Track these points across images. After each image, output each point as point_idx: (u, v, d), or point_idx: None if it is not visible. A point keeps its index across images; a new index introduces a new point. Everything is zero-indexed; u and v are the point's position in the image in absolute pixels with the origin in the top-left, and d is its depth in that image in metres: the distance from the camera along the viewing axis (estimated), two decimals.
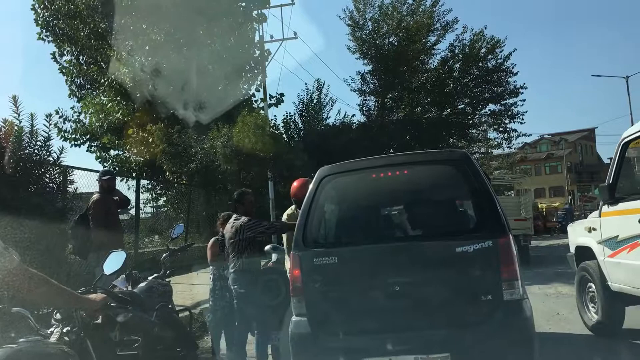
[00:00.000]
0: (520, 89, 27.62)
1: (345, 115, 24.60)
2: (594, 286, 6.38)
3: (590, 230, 6.46)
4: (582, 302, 6.69)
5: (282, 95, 21.06)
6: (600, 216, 6.15)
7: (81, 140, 18.91)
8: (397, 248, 4.34)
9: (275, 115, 20.54)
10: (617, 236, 5.73)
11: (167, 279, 5.38)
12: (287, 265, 5.68)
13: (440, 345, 3.94)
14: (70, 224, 7.00)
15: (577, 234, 6.97)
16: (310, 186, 4.68)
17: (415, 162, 4.94)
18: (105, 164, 18.88)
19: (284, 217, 5.98)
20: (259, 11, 19.26)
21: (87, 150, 19.10)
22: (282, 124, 21.21)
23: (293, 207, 5.94)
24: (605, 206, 6.01)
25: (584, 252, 6.62)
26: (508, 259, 4.00)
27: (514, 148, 30.25)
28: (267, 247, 6.93)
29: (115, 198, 7.43)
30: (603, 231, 6.06)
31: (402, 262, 4.20)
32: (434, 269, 4.15)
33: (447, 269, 4.10)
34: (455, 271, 4.08)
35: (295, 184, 5.97)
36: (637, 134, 5.71)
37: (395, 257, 4.22)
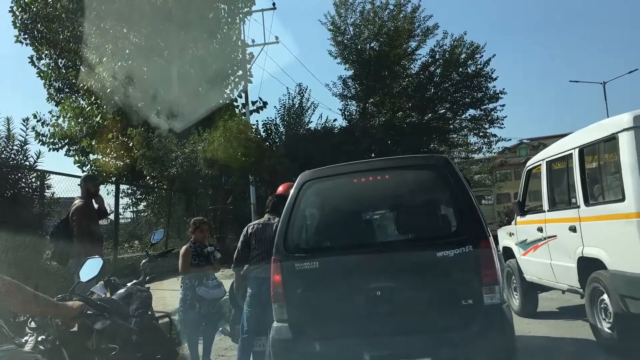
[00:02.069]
0: (499, 94, 27.95)
1: (327, 119, 24.63)
2: (515, 278, 8.06)
3: (510, 234, 8.35)
4: (510, 291, 8.16)
5: (265, 102, 21.01)
6: (515, 224, 8.08)
7: (59, 145, 18.66)
8: (378, 253, 4.34)
9: (257, 121, 20.42)
10: (526, 240, 7.60)
11: (146, 285, 5.31)
12: None
13: (421, 350, 3.95)
14: (50, 230, 6.84)
15: (503, 237, 8.73)
16: (292, 191, 4.67)
17: (396, 167, 4.93)
18: (84, 168, 18.67)
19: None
20: (240, 13, 19.20)
21: (65, 155, 18.87)
22: (262, 129, 21.13)
23: None
24: (519, 217, 7.87)
25: (508, 252, 8.34)
26: (488, 263, 4.02)
27: (494, 152, 30.58)
28: None
29: (96, 206, 7.18)
30: (517, 236, 7.99)
31: (383, 267, 4.20)
32: (415, 273, 4.15)
33: (428, 273, 4.11)
34: (436, 276, 4.09)
35: (280, 188, 5.93)
36: (537, 163, 7.60)
37: (376, 262, 4.22)
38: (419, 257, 4.19)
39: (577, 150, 6.12)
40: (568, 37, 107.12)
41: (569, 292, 6.67)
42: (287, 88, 25.25)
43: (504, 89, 28.36)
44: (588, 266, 5.82)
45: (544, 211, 7.09)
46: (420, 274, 4.14)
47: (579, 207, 6.03)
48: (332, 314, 4.21)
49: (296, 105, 22.49)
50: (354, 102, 28.60)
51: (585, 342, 6.21)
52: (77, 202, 6.89)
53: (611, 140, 5.36)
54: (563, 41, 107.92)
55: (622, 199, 5.11)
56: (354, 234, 4.65)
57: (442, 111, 28.86)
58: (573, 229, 6.10)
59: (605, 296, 5.54)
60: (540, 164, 7.39)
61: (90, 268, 3.85)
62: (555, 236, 6.66)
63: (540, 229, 7.05)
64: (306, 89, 22.72)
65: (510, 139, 37.74)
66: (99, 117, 17.44)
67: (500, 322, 3.96)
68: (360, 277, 4.20)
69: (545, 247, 6.90)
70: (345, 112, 28.10)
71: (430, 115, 28.54)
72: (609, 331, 5.58)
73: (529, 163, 8.12)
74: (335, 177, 4.79)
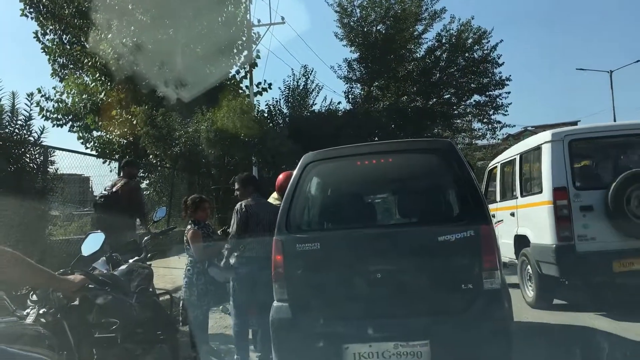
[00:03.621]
0: (505, 81, 27.79)
1: (331, 102, 24.55)
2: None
3: None
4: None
5: (269, 84, 20.86)
6: None
7: (63, 121, 18.64)
8: (380, 235, 4.35)
9: (258, 101, 20.28)
10: None
11: (148, 262, 5.34)
12: None
13: (420, 332, 3.96)
14: (95, 202, 7.55)
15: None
16: (295, 172, 4.65)
17: (399, 150, 4.89)
18: (87, 144, 18.67)
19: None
20: None
21: (69, 131, 18.86)
22: (266, 109, 21.05)
23: (275, 195, 5.91)
24: None
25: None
26: (489, 248, 4.03)
27: (498, 139, 30.44)
28: None
29: None
30: None
31: (384, 249, 4.20)
32: (416, 257, 4.16)
33: (429, 257, 4.12)
34: (436, 259, 4.10)
35: (280, 176, 5.94)
36: (494, 165, 9.66)
37: (377, 244, 4.22)
38: (420, 241, 4.19)
39: (518, 155, 8.19)
40: (576, 25, 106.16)
41: (510, 264, 8.34)
42: (292, 69, 25.20)
43: (510, 75, 28.24)
44: (520, 242, 7.85)
45: (496, 201, 9.05)
46: (421, 258, 4.15)
47: (517, 198, 8.07)
48: (332, 295, 4.22)
49: (301, 87, 22.39)
50: (358, 85, 28.50)
51: (582, 330, 6.25)
52: (125, 181, 7.51)
53: (538, 150, 7.30)
54: (571, 29, 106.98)
55: (541, 192, 7.06)
56: (356, 216, 4.65)
57: (447, 96, 28.74)
58: (512, 215, 8.17)
59: (529, 266, 7.53)
60: (496, 166, 9.51)
61: (93, 242, 3.87)
62: (502, 220, 8.64)
63: (493, 215, 7.97)
64: (311, 71, 22.62)
65: (515, 126, 37.67)
66: (102, 93, 17.39)
67: (499, 307, 3.98)
68: (361, 259, 4.21)
69: (496, 229, 7.80)
70: (350, 95, 28.00)
71: (434, 100, 28.42)
72: (531, 292, 7.55)
73: (489, 165, 10.34)
74: (338, 159, 4.76)
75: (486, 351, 3.95)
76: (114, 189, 7.39)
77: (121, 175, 8.01)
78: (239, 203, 5.71)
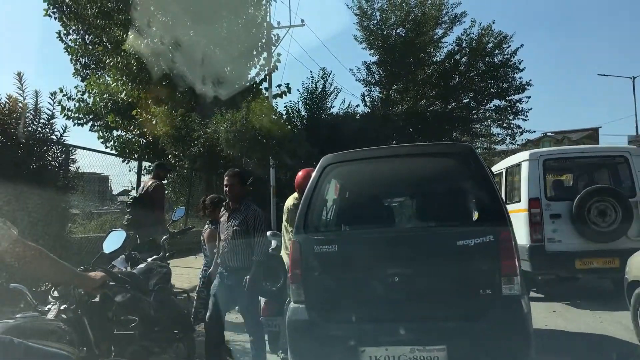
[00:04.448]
0: (526, 86, 27.54)
1: (349, 105, 24.54)
2: None
3: None
4: None
5: (289, 87, 20.80)
6: None
7: (84, 120, 18.85)
8: (398, 239, 4.34)
9: (276, 103, 20.33)
10: None
11: (166, 262, 5.39)
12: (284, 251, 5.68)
13: (437, 337, 3.92)
14: (128, 202, 8.44)
15: None
16: (313, 174, 4.66)
17: (419, 153, 4.90)
18: (107, 144, 18.86)
19: (289, 205, 5.89)
20: None
21: (89, 130, 19.07)
22: (284, 111, 21.11)
23: (296, 195, 5.90)
24: None
25: None
26: (508, 253, 3.99)
27: (517, 145, 30.15)
28: (268, 233, 6.91)
29: None
30: None
31: (402, 253, 4.18)
32: (434, 261, 4.13)
33: (447, 261, 4.08)
34: (454, 264, 4.06)
35: (300, 174, 5.90)
36: None
37: (395, 247, 4.21)
38: (439, 245, 4.16)
39: (504, 170, 9.26)
40: (598, 30, 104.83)
41: None
42: (311, 72, 25.24)
43: (530, 80, 27.95)
44: None
45: None
46: (439, 262, 4.11)
47: None
48: (349, 297, 4.21)
49: (319, 89, 22.42)
50: (377, 88, 28.46)
51: (600, 338, 6.19)
52: (155, 182, 8.26)
53: (519, 166, 8.53)
54: (593, 33, 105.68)
55: (520, 201, 8.26)
56: (374, 218, 4.64)
57: (466, 100, 28.58)
58: None
59: None
60: None
61: (114, 240, 3.91)
62: None
63: None
64: (330, 74, 22.64)
65: (535, 131, 37.17)
66: (123, 94, 17.57)
67: (517, 313, 3.93)
68: (378, 262, 4.18)
69: None
70: (366, 98, 27.96)
71: (453, 104, 28.29)
72: None
73: None
74: (357, 162, 4.76)
75: (504, 357, 3.91)
76: (143, 190, 8.20)
77: (151, 176, 8.80)
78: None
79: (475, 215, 4.52)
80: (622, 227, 7.66)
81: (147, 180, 8.66)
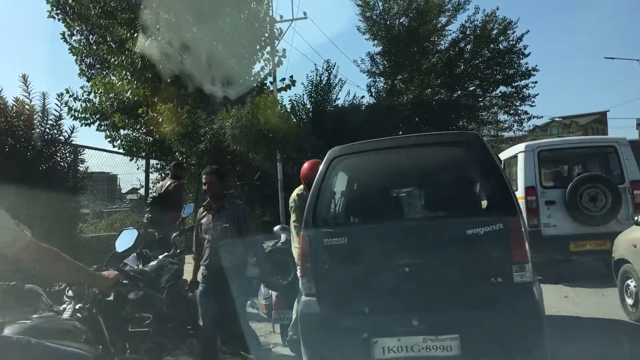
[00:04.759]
0: (532, 71, 27.37)
1: (354, 96, 24.43)
2: None
3: None
4: None
5: (293, 80, 20.73)
6: None
7: (91, 120, 18.93)
8: (407, 229, 4.34)
9: (281, 97, 20.27)
10: None
11: (177, 258, 5.42)
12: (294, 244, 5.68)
13: (449, 326, 3.93)
14: (148, 201, 9.09)
15: None
16: (321, 167, 4.66)
17: (426, 143, 4.86)
18: (114, 143, 18.92)
19: (294, 196, 5.92)
20: None
21: (97, 130, 19.16)
22: (289, 105, 21.07)
23: (301, 187, 5.91)
24: None
25: None
26: (519, 241, 3.99)
27: (525, 131, 29.96)
28: (276, 228, 6.94)
29: None
30: None
31: (412, 243, 4.19)
32: (444, 250, 4.13)
33: (458, 250, 4.08)
34: (465, 253, 4.06)
35: (305, 165, 5.91)
36: None
37: (405, 238, 4.22)
38: (449, 235, 4.16)
39: (503, 161, 9.33)
40: (604, 12, 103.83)
41: None
42: (315, 64, 25.19)
43: (536, 65, 27.75)
44: None
45: None
46: (450, 251, 4.11)
47: None
48: (360, 288, 4.21)
49: (324, 82, 22.36)
50: (382, 78, 28.37)
51: (614, 323, 6.20)
52: (173, 182, 8.78)
53: (515, 157, 9.15)
54: (599, 16, 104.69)
55: (516, 189, 8.54)
56: (384, 210, 4.64)
57: (471, 88, 28.42)
58: None
59: None
60: None
61: (126, 239, 3.94)
62: None
63: None
64: (334, 66, 22.55)
65: (542, 117, 36.95)
66: (129, 92, 17.62)
67: (529, 300, 3.93)
68: (388, 253, 4.19)
69: None
70: (372, 89, 27.87)
71: (459, 92, 28.13)
72: None
73: None
74: (365, 153, 4.74)
75: (518, 345, 3.92)
76: (162, 189, 8.67)
77: (170, 176, 9.26)
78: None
79: (485, 203, 4.51)
80: (612, 211, 8.25)
81: (165, 180, 9.24)
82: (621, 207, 8.24)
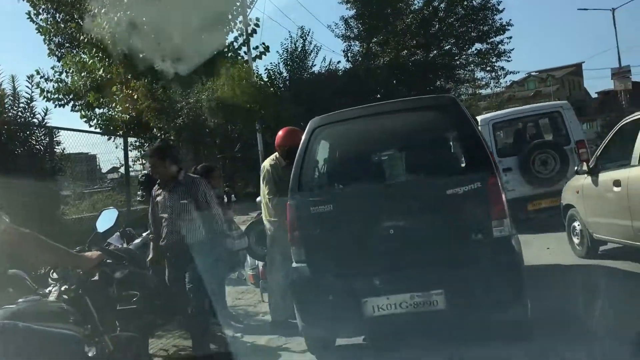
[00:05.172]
0: (506, 26, 27.32)
1: (330, 62, 24.20)
2: None
3: None
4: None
5: (266, 47, 20.38)
6: None
7: (65, 100, 18.54)
8: (390, 193, 4.47)
9: (257, 67, 19.98)
10: None
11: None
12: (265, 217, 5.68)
13: (434, 282, 4.11)
14: (140, 179, 8.65)
15: None
16: (303, 137, 4.75)
17: (405, 109, 4.98)
18: (90, 122, 18.61)
19: (266, 167, 5.73)
20: None
21: (71, 110, 18.79)
22: (265, 75, 20.83)
23: (274, 156, 5.80)
24: None
25: None
26: (496, 198, 4.16)
27: (502, 87, 30.09)
28: (259, 199, 6.96)
29: None
30: None
31: (395, 206, 4.36)
32: (426, 211, 4.30)
33: (439, 210, 4.26)
34: (446, 212, 4.23)
35: (280, 133, 5.82)
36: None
37: (388, 201, 4.37)
38: (430, 195, 4.33)
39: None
40: None
41: None
42: (289, 32, 24.85)
43: (510, 20, 27.71)
44: None
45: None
46: (431, 211, 4.29)
47: None
48: (348, 252, 4.36)
49: (299, 49, 22.12)
50: (357, 42, 28.11)
51: (589, 268, 6.50)
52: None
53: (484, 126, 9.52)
54: None
55: None
56: (366, 175, 4.77)
57: (447, 47, 28.29)
58: None
59: None
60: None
61: (107, 218, 3.94)
62: None
63: None
64: (308, 32, 22.29)
65: (518, 72, 37.14)
66: (101, 70, 17.25)
67: (509, 253, 4.13)
68: (373, 216, 4.34)
69: None
70: (349, 54, 27.64)
71: (435, 52, 27.98)
72: None
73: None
74: (345, 122, 4.87)
75: (500, 295, 4.09)
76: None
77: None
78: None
79: (463, 163, 4.65)
80: (561, 171, 9.11)
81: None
82: (569, 167, 8.93)
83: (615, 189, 5.97)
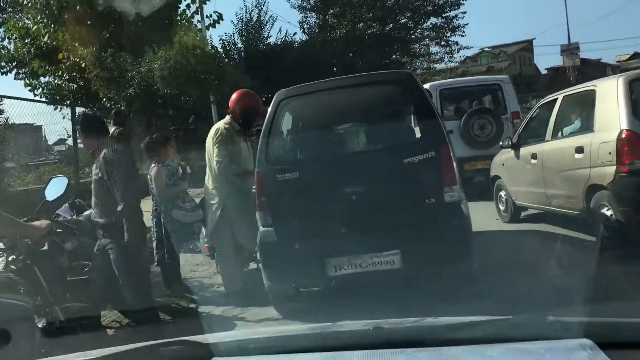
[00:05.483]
0: (460, 0, 27.55)
1: (286, 33, 23.90)
2: None
3: None
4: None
5: (220, 15, 19.92)
6: None
7: (7, 68, 17.74)
8: (351, 161, 4.81)
9: (211, 36, 19.57)
10: None
11: None
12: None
13: (391, 244, 4.45)
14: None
15: None
16: (269, 109, 4.95)
17: (365, 83, 5.31)
18: (35, 91, 17.87)
19: (220, 129, 5.44)
20: None
21: (15, 78, 17.99)
22: (220, 46, 20.40)
23: (227, 119, 5.61)
24: None
25: None
26: (449, 166, 4.56)
27: (456, 62, 30.44)
28: None
29: None
30: None
31: (356, 174, 4.67)
32: (385, 178, 4.66)
33: (396, 178, 4.60)
34: (403, 179, 4.57)
35: (234, 96, 5.63)
36: None
37: (349, 170, 4.69)
38: (388, 164, 4.68)
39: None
40: None
41: None
42: (244, 1, 24.35)
43: None
44: None
45: None
46: (390, 179, 4.64)
47: None
48: (312, 217, 4.66)
49: (254, 20, 21.72)
50: (313, 14, 27.81)
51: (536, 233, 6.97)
52: (117, 128, 7.65)
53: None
54: None
55: None
56: (329, 145, 5.18)
57: (403, 21, 28.35)
58: None
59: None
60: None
61: (56, 187, 3.81)
62: None
63: None
64: (264, 2, 21.90)
65: (472, 47, 37.57)
66: (46, 37, 16.52)
67: (458, 216, 4.54)
68: (335, 183, 4.68)
69: None
70: (305, 26, 27.35)
71: (391, 25, 28.00)
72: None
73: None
74: (309, 95, 5.15)
75: (449, 253, 4.52)
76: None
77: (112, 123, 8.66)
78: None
79: (418, 134, 5.05)
80: (496, 137, 9.93)
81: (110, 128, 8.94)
82: (503, 133, 9.90)
83: (533, 161, 6.83)
